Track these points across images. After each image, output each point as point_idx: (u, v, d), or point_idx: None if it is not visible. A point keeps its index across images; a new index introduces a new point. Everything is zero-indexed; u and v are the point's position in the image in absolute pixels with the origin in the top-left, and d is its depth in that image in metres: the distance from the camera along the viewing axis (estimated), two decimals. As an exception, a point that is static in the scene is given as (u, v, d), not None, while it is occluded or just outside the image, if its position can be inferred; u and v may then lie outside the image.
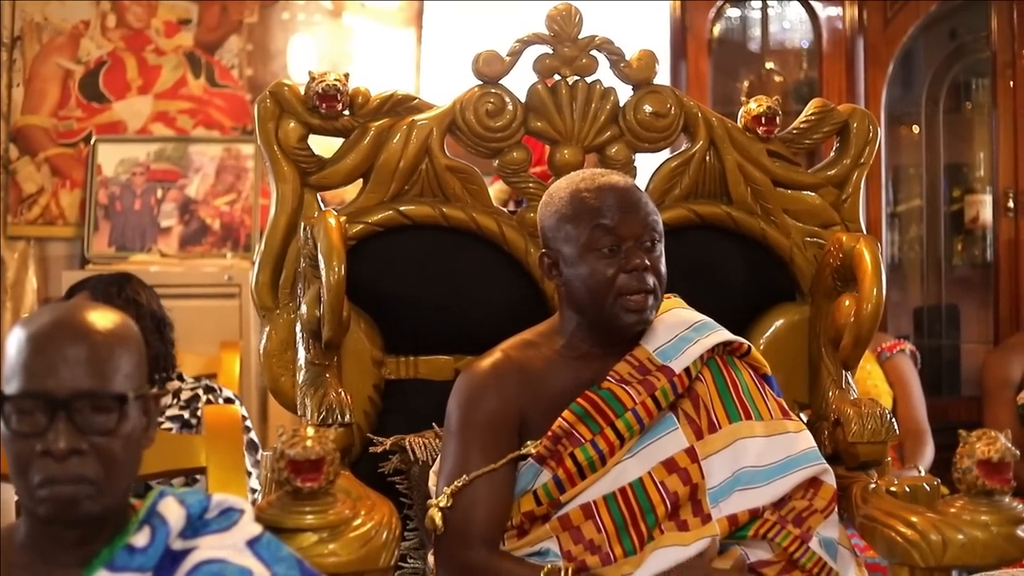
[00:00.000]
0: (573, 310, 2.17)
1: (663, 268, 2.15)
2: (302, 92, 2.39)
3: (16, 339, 1.57)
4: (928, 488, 2.27)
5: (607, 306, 2.12)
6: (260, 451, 3.06)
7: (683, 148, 2.52)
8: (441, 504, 2.09)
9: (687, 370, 2.15)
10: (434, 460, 2.23)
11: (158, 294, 3.13)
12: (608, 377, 2.14)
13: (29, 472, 1.54)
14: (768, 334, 2.49)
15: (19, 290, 4.73)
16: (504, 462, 2.10)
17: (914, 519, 2.05)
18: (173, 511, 1.61)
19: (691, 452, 2.12)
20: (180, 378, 3.12)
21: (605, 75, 2.48)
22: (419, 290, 2.42)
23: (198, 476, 2.70)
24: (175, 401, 3.06)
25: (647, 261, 2.11)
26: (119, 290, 2.99)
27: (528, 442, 2.12)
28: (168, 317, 3.08)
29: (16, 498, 2.14)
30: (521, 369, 2.16)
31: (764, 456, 2.11)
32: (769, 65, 5.00)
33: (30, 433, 1.53)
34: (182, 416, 3.03)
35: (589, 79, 2.47)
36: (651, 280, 2.12)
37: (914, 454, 4.04)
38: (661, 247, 2.15)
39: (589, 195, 2.13)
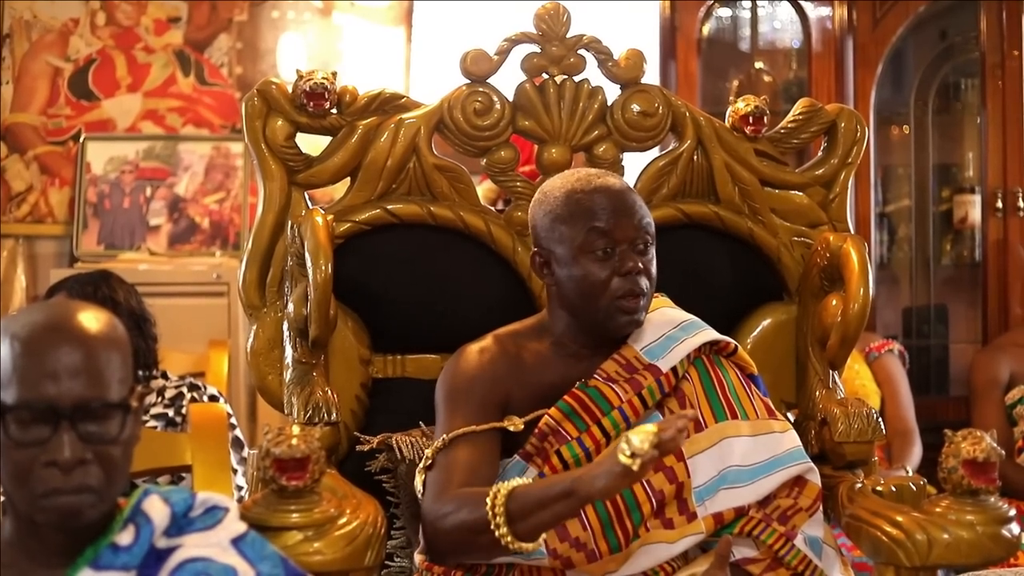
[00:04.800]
0: (564, 309, 2.17)
1: (654, 270, 2.15)
2: (290, 90, 2.39)
3: (6, 343, 1.53)
4: (914, 487, 2.27)
5: (600, 308, 2.12)
6: (245, 449, 3.06)
7: (671, 147, 2.52)
8: (423, 465, 2.08)
9: (674, 369, 2.15)
10: (420, 459, 2.22)
11: (139, 291, 3.12)
12: (595, 375, 2.14)
13: (30, 482, 1.52)
14: (755, 333, 2.50)
15: (8, 289, 4.71)
16: (485, 427, 2.08)
17: (900, 518, 2.06)
18: (157, 509, 1.60)
19: (677, 451, 2.12)
20: (164, 376, 3.12)
21: (593, 74, 2.48)
22: (406, 289, 2.42)
23: (184, 475, 2.70)
24: (159, 399, 3.06)
25: (640, 264, 2.11)
26: (95, 289, 2.98)
27: (512, 416, 2.11)
28: (149, 312, 3.07)
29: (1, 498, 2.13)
30: (510, 355, 2.16)
31: (749, 455, 2.12)
32: (759, 65, 4.99)
33: (33, 443, 1.51)
34: (167, 414, 3.03)
35: (577, 78, 2.47)
36: (644, 283, 2.12)
37: (902, 454, 4.04)
38: (653, 250, 2.15)
39: (584, 196, 2.13)
